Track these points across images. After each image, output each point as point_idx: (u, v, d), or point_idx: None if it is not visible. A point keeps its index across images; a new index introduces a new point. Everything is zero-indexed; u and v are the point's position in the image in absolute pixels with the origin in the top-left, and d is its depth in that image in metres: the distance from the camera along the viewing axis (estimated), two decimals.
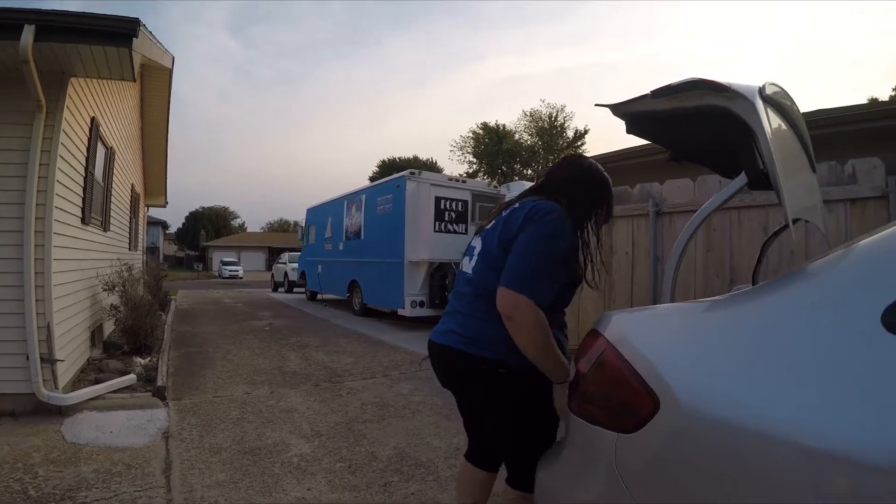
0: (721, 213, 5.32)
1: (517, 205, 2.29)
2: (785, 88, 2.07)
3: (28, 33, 4.32)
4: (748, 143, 1.87)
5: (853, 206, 4.60)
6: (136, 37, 4.79)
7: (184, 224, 75.72)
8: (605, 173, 2.41)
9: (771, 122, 1.78)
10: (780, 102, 1.97)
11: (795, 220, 2.07)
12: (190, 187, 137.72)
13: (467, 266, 2.38)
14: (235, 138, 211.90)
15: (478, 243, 2.37)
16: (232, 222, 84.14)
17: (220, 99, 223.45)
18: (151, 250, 22.77)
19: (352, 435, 4.72)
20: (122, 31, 4.73)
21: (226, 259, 49.77)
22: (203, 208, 79.33)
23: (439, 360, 2.38)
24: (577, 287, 2.34)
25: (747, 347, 1.34)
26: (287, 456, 4.18)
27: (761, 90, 1.82)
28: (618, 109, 2.39)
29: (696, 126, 2.25)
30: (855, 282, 1.28)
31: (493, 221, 2.35)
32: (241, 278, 43.55)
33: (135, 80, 5.76)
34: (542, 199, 2.26)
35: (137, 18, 4.74)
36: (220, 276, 45.32)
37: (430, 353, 2.45)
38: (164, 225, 48.11)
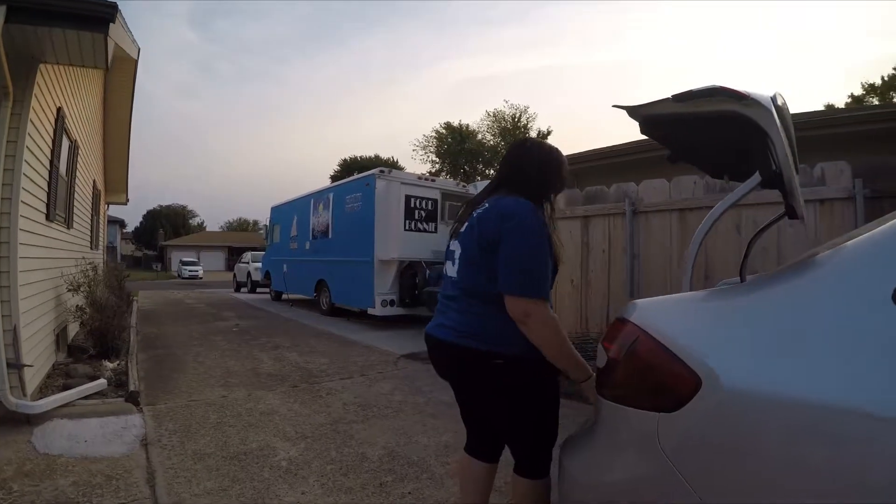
0: (696, 212, 5.61)
1: (486, 205, 2.36)
2: (786, 98, 2.19)
3: None
4: (762, 147, 2.01)
5: (822, 206, 4.95)
6: (114, 22, 4.58)
7: (141, 223, 74.64)
8: (551, 146, 2.56)
9: (780, 128, 1.93)
10: (783, 110, 2.10)
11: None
12: (147, 185, 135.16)
13: (451, 270, 2.46)
14: (193, 135, 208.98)
15: (456, 247, 2.43)
16: (190, 221, 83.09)
17: (178, 94, 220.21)
18: (109, 250, 22.19)
19: (338, 436, 4.59)
20: (100, 15, 4.50)
21: (185, 259, 48.95)
22: (161, 207, 78.39)
23: (437, 351, 2.46)
24: (557, 271, 2.41)
25: (776, 327, 1.49)
26: (275, 460, 4.03)
27: (774, 99, 1.97)
28: (636, 112, 2.44)
29: (708, 129, 2.39)
30: (868, 265, 1.44)
31: (467, 223, 2.40)
32: (201, 278, 42.86)
33: (107, 68, 5.53)
34: (507, 194, 2.37)
35: (115, 3, 4.52)
36: (179, 276, 44.54)
37: (427, 346, 2.53)
38: (122, 223, 47.17)
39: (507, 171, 2.49)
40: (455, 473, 2.76)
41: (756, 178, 2.22)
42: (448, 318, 2.37)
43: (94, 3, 4.48)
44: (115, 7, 4.53)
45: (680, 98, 2.17)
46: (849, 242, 1.52)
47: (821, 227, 4.87)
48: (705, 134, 2.49)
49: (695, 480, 1.47)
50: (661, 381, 1.60)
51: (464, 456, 2.69)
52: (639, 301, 1.90)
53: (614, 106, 2.46)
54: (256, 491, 3.51)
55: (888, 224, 1.47)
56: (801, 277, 1.57)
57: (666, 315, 1.77)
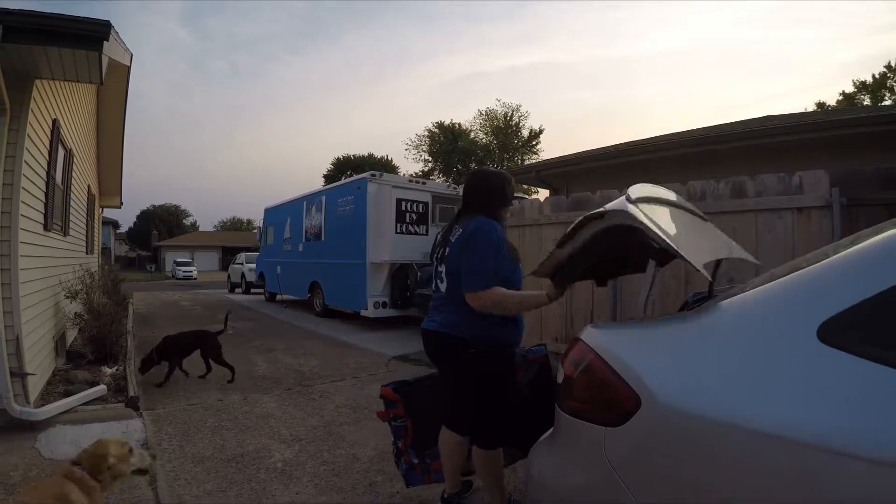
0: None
1: (459, 230, 3.05)
2: (649, 185, 2.43)
3: None
4: (641, 238, 2.10)
5: (800, 214, 5.01)
6: (108, 40, 4.70)
7: (135, 223, 74.31)
8: (497, 172, 3.41)
9: (648, 212, 2.06)
10: (648, 195, 2.29)
11: (718, 262, 2.75)
12: (140, 185, 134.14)
13: (441, 287, 3.15)
14: (186, 134, 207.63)
15: (442, 268, 3.12)
16: (184, 221, 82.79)
17: (170, 92, 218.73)
18: (103, 251, 22.20)
19: (331, 438, 4.77)
20: (94, 34, 4.63)
21: (179, 259, 48.80)
22: (154, 207, 77.93)
23: (426, 340, 3.21)
24: (518, 265, 3.18)
25: (713, 354, 1.67)
26: (270, 461, 4.20)
27: (628, 197, 2.12)
28: (542, 271, 2.64)
29: (598, 246, 2.46)
30: (796, 300, 1.61)
31: (448, 248, 3.08)
32: (195, 279, 42.72)
33: (102, 83, 5.66)
34: (472, 216, 3.07)
35: (108, 21, 4.64)
36: (173, 276, 44.44)
37: (422, 337, 3.24)
38: (115, 224, 47.02)
39: (467, 198, 3.23)
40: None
41: (652, 264, 2.33)
42: (431, 317, 3.17)
43: (89, 23, 4.61)
44: (108, 26, 4.65)
45: (563, 242, 2.39)
46: (785, 275, 1.71)
47: (798, 236, 4.98)
48: (598, 250, 2.58)
49: (634, 488, 1.67)
50: (608, 399, 1.80)
51: (443, 429, 3.23)
52: (594, 325, 2.12)
53: (532, 273, 2.77)
54: (253, 492, 3.69)
55: (819, 262, 1.65)
56: (737, 311, 1.75)
57: (617, 339, 1.98)
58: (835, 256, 1.62)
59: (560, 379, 2.09)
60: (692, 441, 1.57)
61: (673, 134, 11.23)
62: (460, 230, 3.04)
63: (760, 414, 1.44)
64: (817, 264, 1.64)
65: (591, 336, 2.02)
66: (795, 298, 1.60)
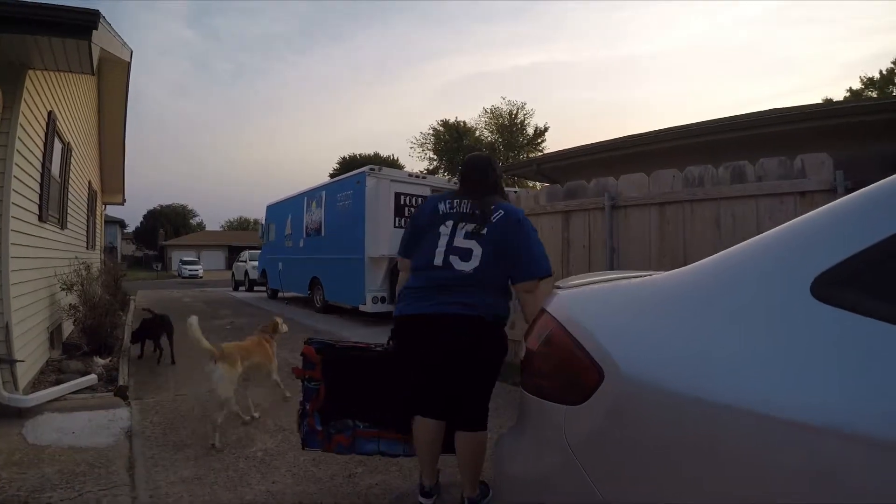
0: (674, 205, 5.60)
1: (501, 212, 3.03)
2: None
3: None
4: None
5: (802, 198, 4.80)
6: (97, 29, 4.72)
7: (141, 223, 74.53)
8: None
9: None
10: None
11: None
12: (147, 185, 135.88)
13: (461, 265, 2.95)
14: (192, 134, 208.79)
15: (474, 247, 2.96)
16: (191, 221, 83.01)
17: (176, 92, 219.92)
18: (110, 250, 22.30)
19: None
20: (82, 23, 4.66)
21: (185, 258, 48.94)
22: (161, 207, 78.20)
23: (449, 325, 2.92)
24: None
25: (685, 319, 1.45)
26: (251, 451, 4.20)
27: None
28: None
29: None
30: (785, 255, 1.38)
31: (486, 229, 2.98)
32: (201, 278, 42.88)
33: (93, 74, 5.69)
34: (500, 200, 3.16)
35: (97, 10, 4.66)
36: (179, 275, 44.53)
37: (418, 322, 3.02)
38: (122, 224, 47.31)
39: (496, 180, 3.28)
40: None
41: None
42: (453, 299, 2.90)
43: (76, 12, 4.63)
44: (97, 14, 4.68)
45: None
46: (769, 233, 1.48)
47: None
48: None
49: (594, 474, 1.48)
50: (569, 374, 1.61)
51: (427, 420, 3.09)
52: (561, 291, 1.93)
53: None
54: (230, 479, 3.68)
55: (810, 213, 1.42)
56: (714, 268, 1.52)
57: (581, 305, 1.78)
58: (828, 205, 1.40)
59: (522, 355, 1.90)
60: (660, 419, 1.36)
61: (672, 126, 11.20)
62: (501, 212, 3.04)
63: (744, 386, 1.22)
64: (808, 214, 1.42)
65: (556, 303, 1.84)
66: (786, 249, 1.39)
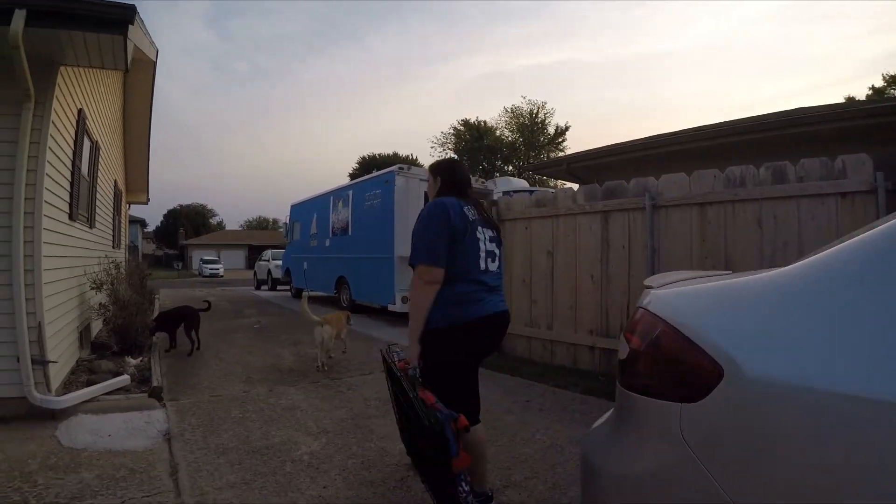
0: (716, 206, 5.60)
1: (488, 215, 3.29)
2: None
3: (19, 18, 4.10)
4: None
5: (843, 199, 4.86)
6: (133, 24, 4.61)
7: (162, 222, 74.95)
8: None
9: None
10: None
11: None
12: (167, 185, 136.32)
13: (493, 267, 3.13)
14: (211, 135, 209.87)
15: (495, 250, 3.17)
16: (210, 220, 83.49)
17: (194, 93, 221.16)
18: (132, 249, 22.35)
19: (359, 431, 4.62)
20: (119, 17, 4.54)
21: (206, 257, 49.19)
22: (181, 206, 78.62)
23: (501, 324, 3.12)
24: None
25: (801, 318, 1.46)
26: (297, 454, 4.06)
27: None
28: None
29: None
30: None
31: (495, 232, 3.23)
32: (221, 276, 43.16)
33: (127, 70, 5.56)
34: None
35: (133, 5, 4.55)
36: (200, 274, 44.86)
37: (491, 322, 3.03)
38: (143, 223, 47.48)
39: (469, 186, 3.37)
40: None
41: None
42: (500, 297, 3.15)
43: (113, 6, 4.52)
44: (133, 9, 4.56)
45: None
46: (876, 230, 1.49)
47: (842, 221, 4.80)
48: None
49: (716, 470, 1.46)
50: (683, 372, 1.61)
51: (477, 427, 3.02)
52: (660, 291, 1.91)
53: None
54: (279, 484, 3.55)
55: None
56: (829, 267, 1.53)
57: (688, 305, 1.77)
58: None
59: (623, 354, 1.90)
60: (791, 415, 1.36)
61: (702, 126, 11.03)
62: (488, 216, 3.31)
63: (872, 381, 1.23)
64: None
65: (657, 303, 1.83)
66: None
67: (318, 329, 7.32)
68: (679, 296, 1.87)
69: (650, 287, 2.03)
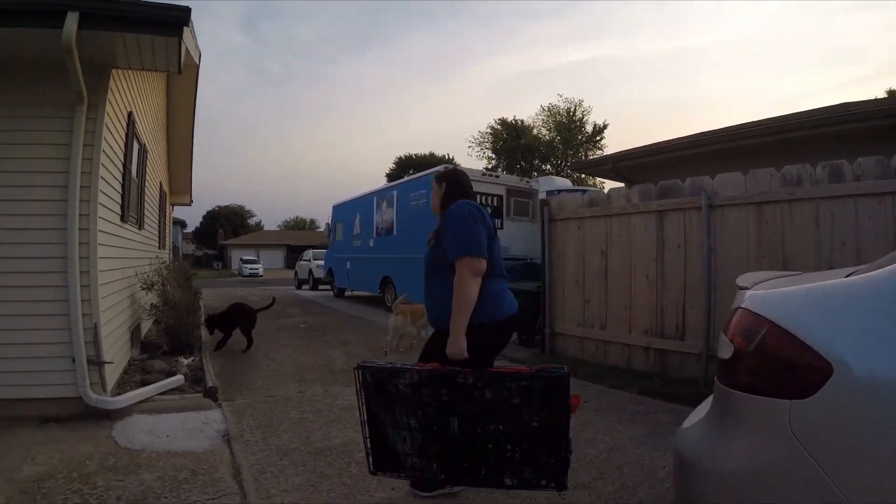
0: (773, 205, 5.53)
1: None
2: None
3: (72, 20, 4.06)
4: None
5: None
6: (188, 26, 4.59)
7: (201, 223, 75.99)
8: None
9: None
10: None
11: None
12: (206, 186, 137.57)
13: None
14: (248, 137, 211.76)
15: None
16: (248, 221, 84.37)
17: (230, 95, 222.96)
18: (173, 249, 22.67)
19: None
20: (175, 19, 4.50)
21: (246, 257, 49.64)
22: (220, 207, 79.57)
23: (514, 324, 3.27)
24: None
25: None
26: (360, 456, 3.88)
27: None
28: None
29: None
30: None
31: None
32: (261, 276, 43.49)
33: (180, 72, 5.54)
34: None
35: (188, 7, 4.51)
36: (240, 274, 45.28)
37: (514, 319, 3.21)
38: (183, 224, 48.23)
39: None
40: None
41: None
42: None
43: (168, 7, 4.49)
44: (188, 11, 4.51)
45: None
46: None
47: None
48: None
49: (827, 464, 1.51)
50: (792, 370, 1.66)
51: None
52: (758, 292, 1.98)
53: None
54: (346, 486, 3.49)
55: None
56: None
57: (792, 306, 1.82)
58: None
59: (727, 354, 1.91)
60: (894, 410, 1.44)
61: (751, 122, 10.76)
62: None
63: None
64: None
65: (761, 303, 1.87)
66: None
67: (392, 318, 8.32)
68: (780, 296, 1.94)
69: (745, 287, 2.10)
